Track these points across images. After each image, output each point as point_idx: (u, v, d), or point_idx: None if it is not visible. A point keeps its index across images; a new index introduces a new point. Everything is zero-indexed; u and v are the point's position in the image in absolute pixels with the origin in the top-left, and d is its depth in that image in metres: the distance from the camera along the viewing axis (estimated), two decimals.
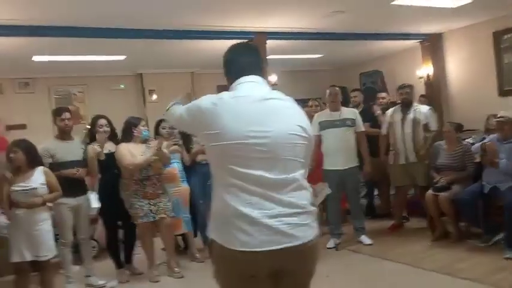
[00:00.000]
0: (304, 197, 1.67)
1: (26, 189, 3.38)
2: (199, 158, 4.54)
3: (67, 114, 4.01)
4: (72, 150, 3.95)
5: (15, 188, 3.36)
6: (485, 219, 4.30)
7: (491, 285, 3.33)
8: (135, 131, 4.14)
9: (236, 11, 5.05)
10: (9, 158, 3.43)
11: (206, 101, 1.70)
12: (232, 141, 1.58)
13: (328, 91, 4.76)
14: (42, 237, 3.42)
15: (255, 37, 6.06)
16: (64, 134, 4.00)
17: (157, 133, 4.59)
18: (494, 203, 4.17)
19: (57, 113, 4.06)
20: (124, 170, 4.08)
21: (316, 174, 4.06)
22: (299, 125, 1.68)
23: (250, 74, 1.76)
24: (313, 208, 1.70)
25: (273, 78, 8.03)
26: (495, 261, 3.80)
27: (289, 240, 1.58)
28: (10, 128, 6.62)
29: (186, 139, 4.59)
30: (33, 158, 3.52)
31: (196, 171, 4.57)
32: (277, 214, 1.58)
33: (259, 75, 1.79)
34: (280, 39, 6.17)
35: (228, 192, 1.61)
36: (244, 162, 1.59)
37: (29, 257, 3.37)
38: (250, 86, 1.73)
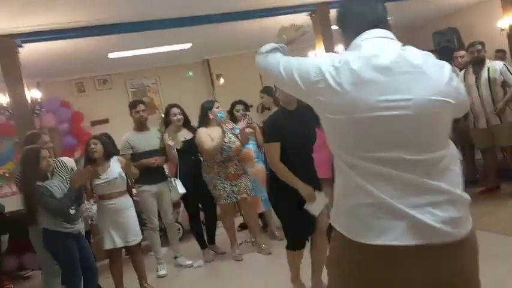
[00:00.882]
0: (456, 180, 1.33)
1: (109, 180, 3.61)
2: None
3: (141, 106, 4.23)
4: (149, 140, 4.18)
5: (97, 181, 3.59)
6: None
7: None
8: (210, 115, 4.25)
9: None
10: (88, 150, 3.66)
11: (325, 60, 1.35)
12: (360, 114, 1.27)
13: None
14: (129, 224, 3.68)
15: (315, 9, 5.91)
16: (140, 125, 4.23)
17: (232, 116, 4.68)
18: None
19: (132, 106, 4.30)
20: (206, 154, 4.22)
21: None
22: (444, 88, 1.31)
23: (377, 28, 1.41)
24: (466, 196, 1.35)
25: (341, 48, 7.80)
26: None
27: (439, 236, 1.25)
28: (94, 123, 7.15)
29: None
30: (110, 151, 3.76)
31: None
32: (423, 204, 1.26)
33: (388, 29, 1.43)
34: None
35: (357, 175, 1.31)
36: (376, 140, 1.29)
37: (119, 244, 3.65)
38: (379, 42, 1.37)
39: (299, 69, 1.42)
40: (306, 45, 6.95)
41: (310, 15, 6.22)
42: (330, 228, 1.44)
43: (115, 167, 3.65)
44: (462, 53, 5.96)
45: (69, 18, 4.49)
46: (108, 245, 3.64)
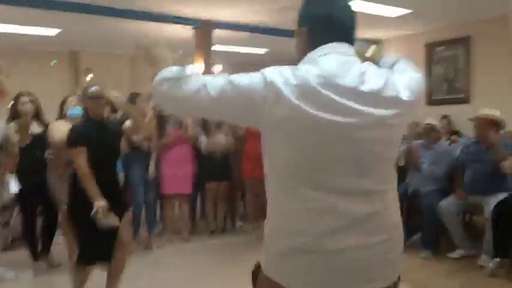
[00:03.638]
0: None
1: None
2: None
3: None
4: None
5: None
6: (406, 220, 4.53)
7: (408, 282, 3.46)
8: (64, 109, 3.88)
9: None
10: None
11: (274, 74, 1.15)
12: (323, 135, 1.14)
13: None
14: None
15: (200, 25, 5.95)
16: None
17: None
18: (415, 205, 4.39)
19: None
20: (53, 149, 3.79)
21: None
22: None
23: (342, 41, 1.24)
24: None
25: (218, 68, 7.95)
26: (412, 259, 4.01)
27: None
28: None
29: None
30: None
31: (137, 158, 4.45)
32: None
33: (352, 43, 1.27)
34: (227, 29, 6.10)
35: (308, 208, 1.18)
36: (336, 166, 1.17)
37: None
38: (340, 60, 1.20)
39: (242, 85, 1.16)
40: (184, 59, 6.91)
41: (194, 29, 6.23)
42: (258, 267, 1.29)
43: None
44: None
45: None
46: None
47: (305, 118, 1.12)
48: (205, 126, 5.07)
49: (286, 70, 1.17)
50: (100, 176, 2.84)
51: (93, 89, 2.97)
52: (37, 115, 3.95)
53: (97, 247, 2.90)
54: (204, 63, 6.41)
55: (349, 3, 1.31)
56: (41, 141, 3.81)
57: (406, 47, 7.29)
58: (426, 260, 4.09)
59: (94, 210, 2.73)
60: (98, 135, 2.90)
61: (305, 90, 1.13)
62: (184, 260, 4.25)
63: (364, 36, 7.35)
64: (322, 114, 1.12)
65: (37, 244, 4.04)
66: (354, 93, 1.15)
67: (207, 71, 6.40)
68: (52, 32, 6.16)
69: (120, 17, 5.43)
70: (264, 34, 6.50)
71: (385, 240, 1.22)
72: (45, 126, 3.91)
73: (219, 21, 5.99)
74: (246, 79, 1.16)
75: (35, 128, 3.90)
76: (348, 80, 1.16)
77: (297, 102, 1.12)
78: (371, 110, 1.16)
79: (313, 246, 1.16)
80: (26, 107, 3.84)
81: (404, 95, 1.22)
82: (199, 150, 5.01)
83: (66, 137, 2.96)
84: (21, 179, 3.81)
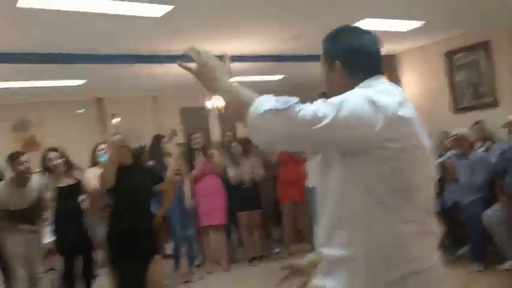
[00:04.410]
0: None
1: None
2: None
3: (24, 157, 3.82)
4: (26, 197, 3.77)
5: None
6: (448, 233, 4.41)
7: None
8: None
9: (191, 35, 5.01)
10: None
11: (386, 99, 1.18)
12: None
13: None
14: None
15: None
16: (21, 181, 3.79)
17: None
18: (456, 218, 4.27)
19: (13, 157, 3.85)
20: (88, 195, 3.96)
21: None
22: None
23: (379, 74, 1.33)
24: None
25: None
26: (462, 273, 3.88)
27: None
28: None
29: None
30: None
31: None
32: None
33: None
34: (241, 61, 6.22)
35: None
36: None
37: None
38: (393, 90, 1.27)
39: (358, 109, 1.14)
40: (206, 93, 7.04)
41: None
42: None
43: None
44: None
45: None
46: None
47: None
48: (232, 157, 5.14)
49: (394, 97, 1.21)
50: (136, 219, 2.89)
51: (114, 138, 3.02)
52: (67, 166, 4.11)
53: None
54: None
55: (375, 35, 1.35)
56: (75, 190, 3.95)
57: (423, 58, 7.24)
58: (477, 273, 3.92)
59: None
60: (129, 179, 2.94)
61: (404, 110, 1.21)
62: None
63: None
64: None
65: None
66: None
67: None
68: (78, 82, 6.42)
69: (143, 63, 5.62)
70: (276, 62, 6.56)
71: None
72: (77, 176, 4.07)
73: (234, 55, 6.12)
74: (369, 106, 1.15)
75: (67, 180, 4.05)
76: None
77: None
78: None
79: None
80: (55, 163, 3.99)
81: None
82: (227, 181, 5.06)
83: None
84: (59, 228, 3.92)
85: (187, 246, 4.78)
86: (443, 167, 4.38)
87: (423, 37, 6.54)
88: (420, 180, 1.21)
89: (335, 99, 1.16)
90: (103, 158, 3.99)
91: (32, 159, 4.11)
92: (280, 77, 8.17)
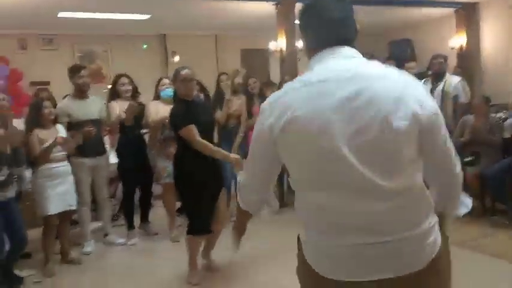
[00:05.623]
0: None
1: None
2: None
3: (85, 72, 3.96)
4: (88, 109, 3.92)
5: (46, 144, 3.39)
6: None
7: None
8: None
9: None
10: (43, 114, 3.45)
11: (265, 103, 1.26)
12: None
13: None
14: (69, 190, 3.56)
15: (281, 0, 5.87)
16: (81, 92, 3.94)
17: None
18: None
19: (74, 70, 3.97)
20: (149, 128, 4.10)
21: None
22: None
23: (337, 45, 1.21)
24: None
25: (301, 43, 7.85)
26: None
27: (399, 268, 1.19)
28: (33, 84, 6.67)
29: (218, 99, 4.57)
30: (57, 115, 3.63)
31: (225, 136, 4.57)
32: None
33: (352, 46, 1.23)
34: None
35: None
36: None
37: (61, 208, 3.47)
38: (334, 64, 1.18)
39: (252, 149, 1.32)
40: (267, 36, 6.91)
41: (275, 5, 6.17)
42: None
43: (62, 132, 3.57)
44: (412, 64, 6.17)
45: None
46: (50, 210, 3.40)
47: None
48: None
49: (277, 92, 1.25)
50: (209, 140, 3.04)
51: (183, 72, 3.06)
52: (133, 95, 4.22)
53: (205, 218, 3.08)
54: (286, 39, 6.34)
55: (341, 10, 1.24)
56: (138, 118, 4.08)
57: (507, 8, 6.58)
58: None
59: (233, 164, 3.04)
60: (195, 113, 3.03)
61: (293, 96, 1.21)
62: (271, 231, 4.30)
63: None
64: None
65: (133, 214, 4.33)
66: None
67: (291, 46, 6.34)
68: (143, 17, 6.48)
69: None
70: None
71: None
72: (140, 105, 4.18)
73: None
74: (258, 124, 1.30)
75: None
76: None
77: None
78: None
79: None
80: (126, 88, 4.11)
81: None
82: None
83: (172, 121, 3.10)
84: (122, 155, 4.10)
85: (236, 186, 4.82)
86: None
87: None
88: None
89: None
90: (165, 92, 4.06)
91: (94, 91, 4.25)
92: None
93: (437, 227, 1.24)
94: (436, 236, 1.22)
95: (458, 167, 1.25)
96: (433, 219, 1.23)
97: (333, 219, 1.19)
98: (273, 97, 1.24)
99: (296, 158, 1.21)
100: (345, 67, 1.16)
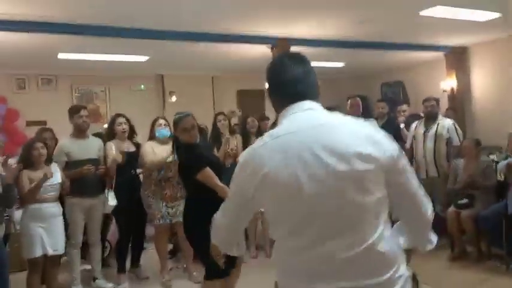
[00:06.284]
0: None
1: (53, 184, 3.47)
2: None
3: (84, 112, 4.00)
4: (87, 148, 3.94)
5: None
6: (508, 240, 4.15)
7: None
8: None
9: (258, 16, 5.00)
10: (34, 154, 3.46)
11: (240, 159, 1.38)
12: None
13: (349, 102, 4.70)
14: (58, 232, 3.50)
15: (276, 43, 6.02)
16: (80, 132, 3.97)
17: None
18: None
19: (74, 110, 4.03)
20: (144, 168, 4.09)
21: None
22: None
23: (299, 100, 1.31)
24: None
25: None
26: None
27: None
28: (30, 123, 6.71)
29: (216, 139, 4.60)
30: (51, 154, 3.65)
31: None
32: None
33: (315, 100, 1.33)
34: (303, 45, 6.11)
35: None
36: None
37: (47, 251, 3.40)
38: (297, 117, 1.29)
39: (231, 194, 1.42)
40: (263, 77, 7.02)
41: (271, 48, 6.33)
42: None
43: (57, 173, 3.57)
44: (404, 107, 6.24)
45: (18, 9, 4.22)
46: (35, 252, 3.35)
47: None
48: None
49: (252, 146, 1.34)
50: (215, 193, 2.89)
51: (184, 121, 3.00)
52: (130, 135, 4.24)
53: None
54: None
55: (300, 69, 1.35)
56: (134, 159, 4.08)
57: (496, 52, 6.77)
58: None
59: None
60: (204, 155, 3.02)
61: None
62: (264, 275, 4.21)
63: (450, 44, 6.97)
64: None
65: (126, 257, 4.25)
66: None
67: None
68: (142, 58, 6.61)
69: (203, 41, 5.68)
70: (340, 48, 6.41)
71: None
72: (137, 145, 4.20)
73: (294, 38, 6.02)
74: (236, 172, 1.39)
75: (129, 147, 4.19)
76: None
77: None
78: None
79: None
80: (123, 127, 4.14)
81: None
82: None
83: (186, 168, 3.02)
84: (117, 196, 4.08)
85: None
86: (508, 167, 4.11)
87: (498, 30, 6.10)
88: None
89: None
90: (162, 132, 4.09)
91: (92, 131, 4.28)
92: (340, 64, 7.98)
93: (406, 279, 1.28)
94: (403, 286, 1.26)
95: (429, 211, 1.32)
96: (400, 271, 1.27)
97: (304, 265, 1.24)
98: (247, 153, 1.34)
99: (271, 208, 1.30)
100: (308, 118, 1.27)
